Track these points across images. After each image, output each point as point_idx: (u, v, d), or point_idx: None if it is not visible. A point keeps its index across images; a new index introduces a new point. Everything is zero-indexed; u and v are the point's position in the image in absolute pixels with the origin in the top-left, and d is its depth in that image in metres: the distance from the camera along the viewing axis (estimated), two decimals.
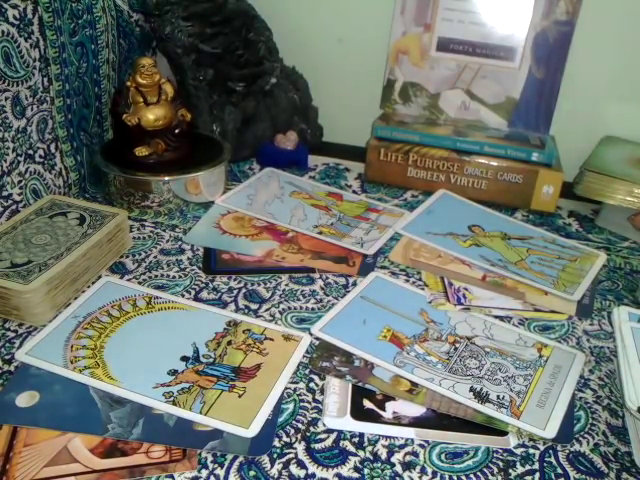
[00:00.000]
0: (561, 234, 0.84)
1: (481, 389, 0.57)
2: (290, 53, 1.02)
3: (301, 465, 0.49)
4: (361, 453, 0.50)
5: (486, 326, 0.65)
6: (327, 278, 0.72)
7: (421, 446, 0.51)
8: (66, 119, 0.81)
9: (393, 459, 0.50)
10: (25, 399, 0.53)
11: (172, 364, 0.57)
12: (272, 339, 0.61)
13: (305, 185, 0.92)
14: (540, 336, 0.65)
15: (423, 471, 0.49)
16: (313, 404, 0.55)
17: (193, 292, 0.68)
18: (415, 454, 0.50)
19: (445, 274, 0.74)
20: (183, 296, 0.67)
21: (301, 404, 0.55)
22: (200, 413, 0.52)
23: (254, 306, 0.66)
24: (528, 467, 0.50)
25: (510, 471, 0.50)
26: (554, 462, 0.51)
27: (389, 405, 0.55)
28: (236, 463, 0.49)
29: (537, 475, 0.49)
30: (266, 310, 0.66)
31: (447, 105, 0.97)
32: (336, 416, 0.53)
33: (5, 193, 0.73)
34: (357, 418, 0.53)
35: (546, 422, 0.53)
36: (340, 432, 0.52)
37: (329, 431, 0.52)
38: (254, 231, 0.80)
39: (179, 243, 0.77)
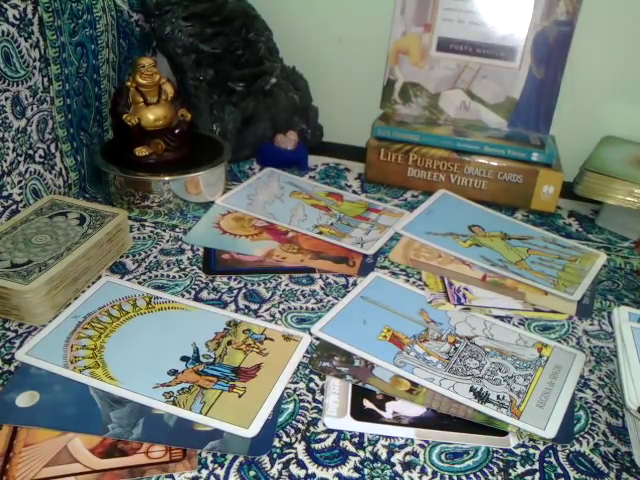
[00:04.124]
0: (561, 234, 0.84)
1: (481, 389, 0.57)
2: (290, 53, 1.02)
3: (301, 465, 0.49)
4: (361, 453, 0.50)
5: (486, 326, 0.65)
6: (327, 278, 0.72)
7: (421, 446, 0.51)
8: (66, 119, 0.81)
9: (393, 459, 0.50)
10: (25, 399, 0.53)
11: (172, 364, 0.57)
12: (272, 339, 0.61)
13: (305, 185, 0.92)
14: (540, 336, 0.65)
15: (423, 471, 0.49)
16: (313, 404, 0.55)
17: (193, 292, 0.68)
18: (415, 454, 0.50)
19: (445, 274, 0.74)
20: (183, 296, 0.67)
21: (301, 404, 0.55)
22: (200, 413, 0.52)
23: (254, 306, 0.66)
24: (528, 467, 0.50)
25: (510, 471, 0.50)
26: (554, 462, 0.51)
27: (389, 405, 0.55)
28: (236, 463, 0.49)
29: (537, 475, 0.49)
30: (266, 310, 0.66)
31: (447, 105, 0.97)
32: (336, 416, 0.53)
33: (5, 193, 0.73)
34: (357, 418, 0.53)
35: (546, 422, 0.53)
36: (340, 432, 0.52)
37: (329, 431, 0.52)
38: (254, 231, 0.80)
39: (179, 243, 0.77)
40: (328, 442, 0.51)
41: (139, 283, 0.69)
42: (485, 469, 0.50)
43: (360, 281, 0.71)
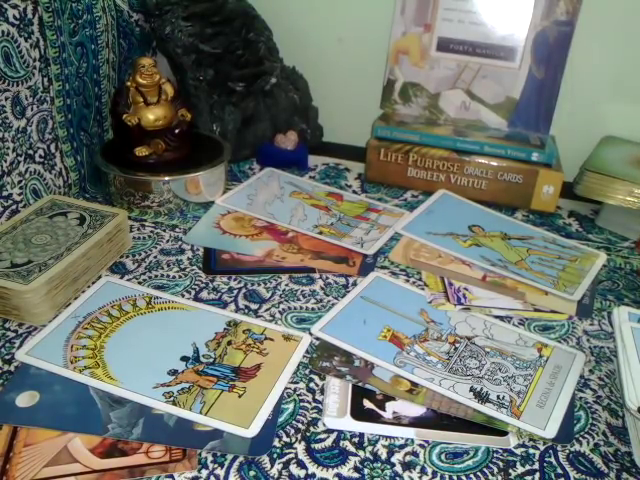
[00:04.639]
0: (561, 234, 0.84)
1: (481, 389, 0.57)
2: (290, 53, 1.02)
3: (301, 465, 0.49)
4: (361, 453, 0.50)
5: (486, 326, 0.65)
6: (327, 278, 0.72)
7: (421, 446, 0.51)
8: (66, 119, 0.81)
9: (393, 459, 0.50)
10: (25, 399, 0.53)
11: (172, 364, 0.57)
12: (272, 339, 0.61)
13: (305, 185, 0.92)
14: (540, 336, 0.65)
15: (423, 471, 0.49)
16: (313, 404, 0.55)
17: (193, 292, 0.68)
18: (415, 454, 0.50)
19: (445, 274, 0.74)
20: (183, 296, 0.67)
21: (301, 404, 0.55)
22: (200, 413, 0.52)
23: (254, 306, 0.66)
24: (528, 467, 0.50)
25: (510, 471, 0.50)
26: (554, 462, 0.51)
27: (389, 405, 0.55)
28: (236, 463, 0.49)
29: (537, 475, 0.49)
30: (266, 310, 0.66)
31: (447, 105, 0.97)
32: (336, 416, 0.53)
33: (5, 193, 0.73)
34: (357, 418, 0.53)
35: (546, 422, 0.53)
36: (340, 432, 0.52)
37: (329, 431, 0.52)
38: (254, 231, 0.80)
39: (179, 243, 0.77)
40: (328, 442, 0.51)
41: (139, 283, 0.69)
42: (485, 469, 0.50)
43: (360, 281, 0.71)
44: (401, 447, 0.51)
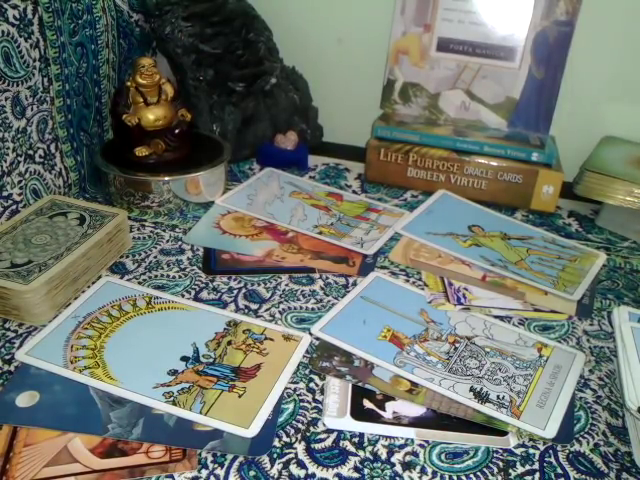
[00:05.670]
0: (561, 234, 0.84)
1: (481, 389, 0.57)
2: (290, 53, 1.02)
3: (301, 465, 0.49)
4: (361, 453, 0.50)
5: (486, 326, 0.65)
6: (327, 278, 0.72)
7: (421, 446, 0.51)
8: (66, 119, 0.81)
9: (393, 459, 0.50)
10: (25, 399, 0.53)
11: (172, 364, 0.57)
12: (272, 339, 0.61)
13: (305, 185, 0.92)
14: (540, 336, 0.65)
15: (423, 471, 0.49)
16: (313, 404, 0.55)
17: (193, 292, 0.68)
18: (415, 454, 0.50)
19: (445, 274, 0.74)
20: (183, 296, 0.67)
21: (301, 404, 0.55)
22: (200, 413, 0.52)
23: (254, 306, 0.66)
24: (528, 467, 0.50)
25: (510, 471, 0.50)
26: (554, 462, 0.51)
27: (389, 405, 0.55)
28: (236, 463, 0.49)
29: (537, 475, 0.49)
30: (266, 310, 0.66)
31: (447, 105, 0.97)
32: (336, 416, 0.53)
33: (5, 193, 0.73)
34: (357, 418, 0.53)
35: (546, 422, 0.53)
36: (340, 432, 0.52)
37: (329, 431, 0.52)
38: (254, 231, 0.80)
39: (179, 243, 0.77)
40: (328, 442, 0.51)
41: (139, 283, 0.69)
42: (485, 469, 0.50)
43: (360, 281, 0.71)
44: (401, 447, 0.51)
